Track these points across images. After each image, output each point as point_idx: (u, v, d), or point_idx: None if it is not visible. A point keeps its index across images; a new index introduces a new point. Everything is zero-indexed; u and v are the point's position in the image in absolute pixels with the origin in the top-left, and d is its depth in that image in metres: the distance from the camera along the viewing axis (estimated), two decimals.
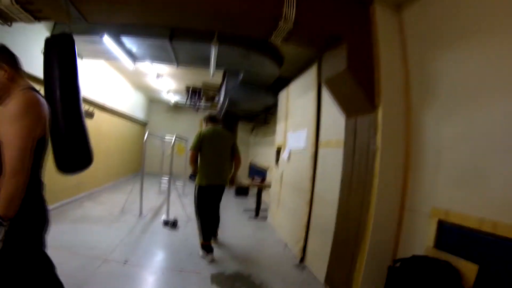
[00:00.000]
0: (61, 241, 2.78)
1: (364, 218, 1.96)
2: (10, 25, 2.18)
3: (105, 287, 2.12)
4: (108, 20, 2.39)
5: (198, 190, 2.93)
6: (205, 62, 3.64)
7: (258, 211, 4.82)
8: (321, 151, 2.89)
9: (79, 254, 2.59)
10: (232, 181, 3.22)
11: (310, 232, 2.87)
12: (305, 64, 3.54)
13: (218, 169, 2.97)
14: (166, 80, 5.83)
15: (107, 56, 3.84)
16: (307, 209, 2.95)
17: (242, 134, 9.12)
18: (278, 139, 4.52)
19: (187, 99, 6.32)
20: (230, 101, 5.19)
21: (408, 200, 1.90)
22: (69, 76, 1.80)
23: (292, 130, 3.73)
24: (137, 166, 8.29)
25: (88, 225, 3.52)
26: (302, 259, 2.88)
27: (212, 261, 2.73)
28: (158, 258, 2.81)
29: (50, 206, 3.71)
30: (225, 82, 4.75)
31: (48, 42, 1.84)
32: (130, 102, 7.00)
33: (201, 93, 6.11)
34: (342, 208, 2.28)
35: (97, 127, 5.28)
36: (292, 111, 3.89)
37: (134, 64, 3.97)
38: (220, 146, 3.01)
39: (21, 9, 1.71)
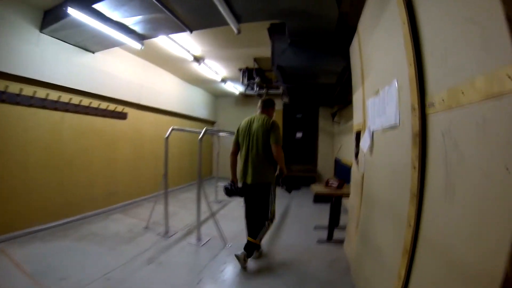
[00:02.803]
0: (38, 264, 2.42)
1: None
2: None
3: None
4: None
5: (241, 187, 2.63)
6: (219, 15, 2.45)
7: (332, 231, 3.19)
8: (434, 123, 1.11)
9: (41, 285, 2.09)
10: (280, 180, 2.62)
11: None
12: None
13: (248, 165, 2.53)
14: (213, 65, 4.97)
15: (110, 42, 3.37)
16: (403, 263, 1.24)
17: (324, 123, 7.33)
18: (356, 117, 2.76)
19: (242, 83, 5.17)
20: (284, 73, 3.75)
21: None
22: None
23: (372, 93, 1.97)
24: (207, 171, 7.90)
25: (90, 245, 2.97)
26: None
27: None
28: None
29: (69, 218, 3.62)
30: (271, 45, 3.37)
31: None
32: (184, 99, 6.39)
33: (254, 73, 4.85)
34: None
35: (136, 130, 4.94)
36: (368, 63, 2.11)
37: (142, 43, 3.30)
38: (251, 136, 2.55)
39: None
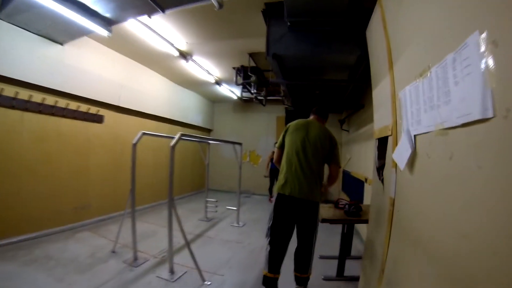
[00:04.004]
0: None
1: None
2: None
3: None
4: None
5: (275, 200, 2.12)
6: None
7: (343, 265, 2.45)
8: None
9: None
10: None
11: None
12: None
13: (297, 174, 2.04)
14: (203, 63, 4.36)
15: (76, 30, 2.92)
16: None
17: (330, 131, 6.60)
18: (379, 118, 2.06)
19: (237, 83, 4.48)
20: (282, 65, 3.09)
21: None
22: None
23: (412, 77, 1.28)
24: (199, 183, 7.18)
25: (38, 271, 2.43)
26: None
27: None
28: None
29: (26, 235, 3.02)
30: (266, 31, 2.73)
31: None
32: (175, 104, 5.80)
33: (249, 72, 4.17)
34: None
35: (115, 135, 4.32)
36: (400, 39, 1.45)
37: (109, 29, 2.77)
38: (308, 143, 2.09)
39: None
